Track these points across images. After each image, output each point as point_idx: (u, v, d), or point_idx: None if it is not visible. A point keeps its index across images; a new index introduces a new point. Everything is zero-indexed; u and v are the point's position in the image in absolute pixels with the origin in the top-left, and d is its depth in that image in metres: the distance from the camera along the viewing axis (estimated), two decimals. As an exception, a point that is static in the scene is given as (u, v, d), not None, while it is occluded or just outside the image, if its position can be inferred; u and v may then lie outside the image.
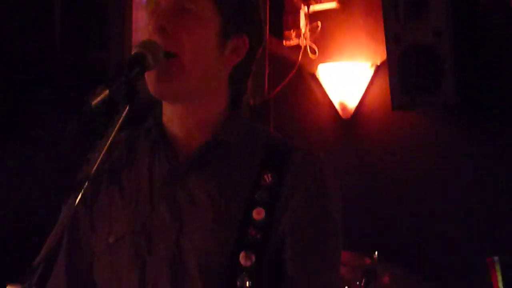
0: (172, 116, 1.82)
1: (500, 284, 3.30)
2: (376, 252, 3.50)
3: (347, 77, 4.63)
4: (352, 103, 4.66)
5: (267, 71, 4.45)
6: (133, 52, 1.67)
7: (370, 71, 4.60)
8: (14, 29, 4.43)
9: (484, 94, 4.15)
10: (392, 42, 4.24)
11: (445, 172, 4.33)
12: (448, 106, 4.18)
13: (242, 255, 1.68)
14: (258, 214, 1.71)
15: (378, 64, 4.58)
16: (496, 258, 3.35)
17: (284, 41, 4.77)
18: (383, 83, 4.44)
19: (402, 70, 4.23)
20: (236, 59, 1.81)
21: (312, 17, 4.75)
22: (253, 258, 1.67)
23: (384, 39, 4.30)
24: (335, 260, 1.79)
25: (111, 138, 1.58)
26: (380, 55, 4.52)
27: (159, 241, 1.75)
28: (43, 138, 4.60)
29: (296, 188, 1.74)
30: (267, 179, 1.74)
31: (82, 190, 1.53)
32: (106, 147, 1.57)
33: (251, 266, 1.67)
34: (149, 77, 1.72)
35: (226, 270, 1.68)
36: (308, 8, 4.72)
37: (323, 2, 4.71)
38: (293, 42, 4.76)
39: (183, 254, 1.72)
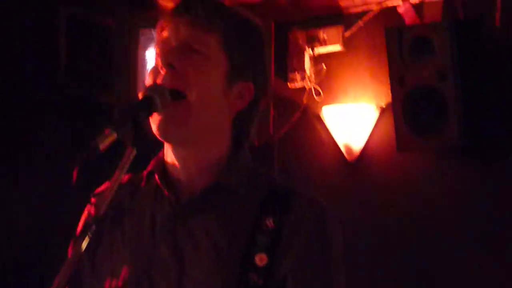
0: (175, 158, 1.81)
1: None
2: None
3: (352, 119, 4.65)
4: (357, 145, 4.67)
5: (272, 113, 4.47)
6: (141, 96, 1.68)
7: (375, 113, 4.63)
8: (18, 55, 4.45)
9: (490, 136, 4.17)
10: (397, 83, 4.28)
11: (452, 214, 4.33)
12: (453, 148, 4.21)
13: None
14: (260, 260, 1.70)
15: (383, 105, 4.60)
16: None
17: (289, 83, 4.79)
18: (389, 124, 4.46)
19: (407, 111, 4.26)
20: (240, 104, 1.80)
21: (317, 59, 4.80)
22: None
23: (388, 81, 4.34)
24: None
25: (118, 181, 1.57)
26: (385, 97, 4.54)
27: (161, 283, 1.73)
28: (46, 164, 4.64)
29: (297, 233, 1.72)
30: (268, 224, 1.73)
31: (89, 233, 1.53)
32: (113, 190, 1.56)
33: None
34: (155, 120, 1.71)
35: None
36: (313, 50, 4.76)
37: (328, 45, 4.75)
38: (298, 84, 4.81)
39: None
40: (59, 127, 4.73)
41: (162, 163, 1.83)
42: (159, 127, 1.71)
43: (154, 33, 4.72)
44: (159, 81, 1.72)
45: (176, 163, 1.80)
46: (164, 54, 1.75)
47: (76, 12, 4.64)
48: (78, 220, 1.88)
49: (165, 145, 1.82)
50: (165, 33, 1.79)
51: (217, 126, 1.80)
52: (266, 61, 1.89)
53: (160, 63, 1.74)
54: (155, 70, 1.75)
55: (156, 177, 1.82)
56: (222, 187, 1.78)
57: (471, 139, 4.13)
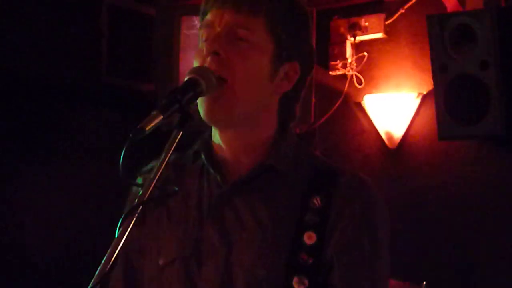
0: (221, 140, 1.82)
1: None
2: (424, 282, 3.47)
3: (393, 107, 4.67)
4: (398, 133, 4.68)
5: (313, 100, 4.46)
6: (186, 78, 1.68)
7: (416, 101, 4.63)
8: (61, 56, 4.49)
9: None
10: (439, 72, 4.25)
11: (493, 202, 4.32)
12: (495, 136, 4.19)
13: (295, 281, 1.67)
14: (309, 238, 1.70)
15: (425, 93, 4.60)
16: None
17: (330, 71, 4.78)
18: (429, 113, 4.46)
19: (448, 100, 4.24)
20: (287, 85, 1.80)
21: (359, 47, 4.81)
22: (307, 283, 1.67)
23: (430, 69, 4.32)
24: (383, 284, 1.77)
25: (164, 162, 1.57)
26: (426, 85, 4.54)
27: (209, 264, 1.74)
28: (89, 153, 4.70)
29: (343, 211, 1.72)
30: (316, 202, 1.73)
31: (137, 214, 1.54)
32: (160, 171, 1.57)
33: None
34: (201, 103, 1.73)
35: None
36: (355, 38, 4.76)
37: (369, 33, 4.74)
38: (339, 72, 4.81)
39: (232, 277, 1.72)
40: (101, 115, 4.83)
41: (209, 143, 1.85)
42: (206, 112, 1.73)
43: (196, 21, 4.74)
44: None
45: (223, 144, 1.81)
46: (209, 41, 1.74)
47: (118, 1, 4.67)
48: (120, 204, 1.89)
49: (213, 126, 1.83)
50: (209, 17, 1.77)
51: (264, 109, 1.80)
52: (312, 38, 1.88)
53: (205, 49, 1.73)
54: (201, 54, 1.75)
55: (203, 156, 1.83)
56: (268, 168, 1.78)
57: (512, 128, 4.09)
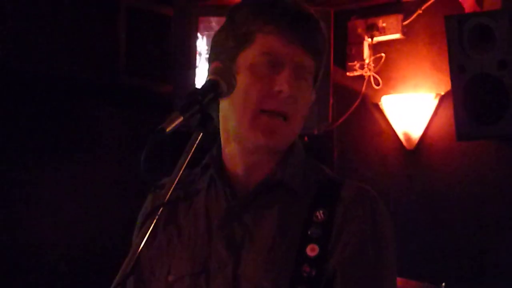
0: (235, 153, 1.83)
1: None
2: (444, 284, 3.48)
3: (411, 108, 4.69)
4: (416, 134, 4.70)
5: (331, 101, 4.48)
6: (207, 79, 1.69)
7: (434, 102, 4.65)
8: (80, 57, 4.53)
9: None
10: (457, 72, 4.26)
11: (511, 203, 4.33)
12: (513, 137, 4.19)
13: None
14: (312, 250, 1.72)
15: (442, 94, 4.62)
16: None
17: (347, 72, 4.81)
18: (447, 113, 4.46)
19: (467, 100, 4.24)
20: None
21: (376, 47, 4.83)
22: None
23: (448, 70, 4.32)
24: None
25: (185, 164, 1.58)
26: (444, 86, 4.56)
27: (218, 278, 1.76)
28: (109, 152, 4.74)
29: (346, 223, 1.75)
30: (319, 216, 1.76)
31: (157, 216, 1.56)
32: (180, 173, 1.57)
33: None
34: (265, 132, 1.78)
35: None
36: (372, 39, 4.78)
37: (387, 34, 4.76)
38: (357, 72, 4.83)
39: None
40: (119, 117, 4.84)
41: (219, 157, 1.86)
42: (266, 141, 1.78)
43: (213, 21, 4.75)
44: (272, 104, 1.76)
45: (238, 159, 1.83)
46: (289, 84, 1.76)
47: (135, 2, 4.72)
48: (138, 203, 1.92)
49: (222, 137, 1.85)
50: (277, 48, 1.78)
51: None
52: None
53: (284, 91, 1.76)
54: (270, 88, 1.77)
55: (213, 170, 1.85)
56: (276, 182, 1.81)
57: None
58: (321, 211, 1.76)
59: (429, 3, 4.58)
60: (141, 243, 1.53)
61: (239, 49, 1.79)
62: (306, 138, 3.88)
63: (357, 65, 4.79)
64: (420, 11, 4.63)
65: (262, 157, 1.82)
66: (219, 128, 1.84)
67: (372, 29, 4.75)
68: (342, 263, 1.72)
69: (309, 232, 1.74)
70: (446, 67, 4.33)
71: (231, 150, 1.83)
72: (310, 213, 1.76)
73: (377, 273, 1.75)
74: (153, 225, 1.55)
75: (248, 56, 1.78)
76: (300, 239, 1.74)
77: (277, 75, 1.76)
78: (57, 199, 4.39)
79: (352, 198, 1.77)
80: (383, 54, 4.79)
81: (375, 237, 1.76)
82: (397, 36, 4.74)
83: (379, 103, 4.81)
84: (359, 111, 4.86)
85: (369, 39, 4.77)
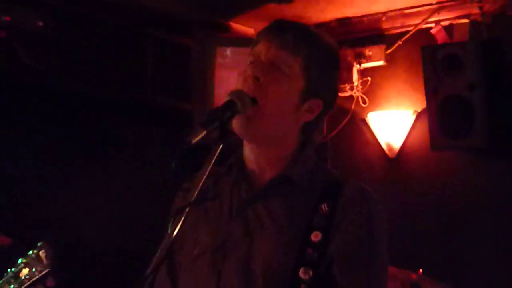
0: (249, 154, 1.90)
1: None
2: (421, 270, 3.45)
3: (392, 123, 4.71)
4: (397, 144, 4.72)
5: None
6: (225, 100, 1.76)
7: (412, 117, 4.68)
8: (114, 80, 4.51)
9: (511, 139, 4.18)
10: (431, 93, 4.32)
11: (478, 205, 4.35)
12: (479, 149, 4.21)
13: (301, 271, 1.73)
14: (316, 237, 1.75)
15: (419, 111, 4.64)
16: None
17: (339, 93, 4.75)
18: (423, 127, 4.49)
19: (439, 117, 4.30)
20: (308, 117, 1.86)
21: (363, 72, 4.83)
22: (311, 273, 1.72)
23: (424, 91, 4.37)
24: (379, 276, 1.80)
25: (207, 171, 1.67)
26: (421, 104, 4.56)
27: (232, 255, 1.80)
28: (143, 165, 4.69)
29: (346, 214, 1.77)
30: (323, 208, 1.78)
31: (185, 213, 1.64)
32: (204, 178, 1.67)
33: (309, 279, 1.72)
34: (237, 121, 1.79)
35: (287, 282, 1.73)
36: (360, 65, 4.80)
37: (372, 61, 4.77)
38: (347, 93, 4.83)
39: (251, 266, 1.78)
40: (148, 132, 4.84)
41: (241, 158, 1.94)
42: (238, 126, 1.80)
43: (229, 51, 4.63)
44: (244, 88, 1.79)
45: (252, 158, 1.90)
46: (253, 67, 1.81)
47: (161, 34, 4.74)
48: (166, 206, 1.93)
49: (243, 142, 1.91)
50: (258, 47, 1.86)
51: (286, 132, 1.87)
52: (338, 80, 1.94)
53: (248, 72, 1.81)
54: (243, 74, 1.83)
55: (235, 168, 1.94)
56: (286, 179, 1.85)
57: (494, 141, 4.13)
58: (325, 204, 1.77)
59: (407, 35, 4.58)
60: (172, 234, 1.58)
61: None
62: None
63: (347, 87, 4.79)
64: (400, 42, 4.64)
65: (269, 156, 1.86)
66: (237, 141, 1.89)
67: (360, 57, 4.75)
68: (340, 249, 1.74)
69: (314, 221, 1.76)
70: (422, 89, 4.39)
71: (247, 152, 1.91)
72: (316, 206, 1.78)
73: (371, 259, 1.77)
74: (180, 222, 1.60)
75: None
76: (306, 227, 1.76)
77: None
78: (98, 205, 4.36)
79: (353, 194, 1.80)
80: (369, 78, 4.80)
81: (370, 229, 1.77)
82: (381, 63, 4.75)
83: (366, 119, 4.83)
84: (349, 125, 4.86)
85: (358, 65, 4.77)
